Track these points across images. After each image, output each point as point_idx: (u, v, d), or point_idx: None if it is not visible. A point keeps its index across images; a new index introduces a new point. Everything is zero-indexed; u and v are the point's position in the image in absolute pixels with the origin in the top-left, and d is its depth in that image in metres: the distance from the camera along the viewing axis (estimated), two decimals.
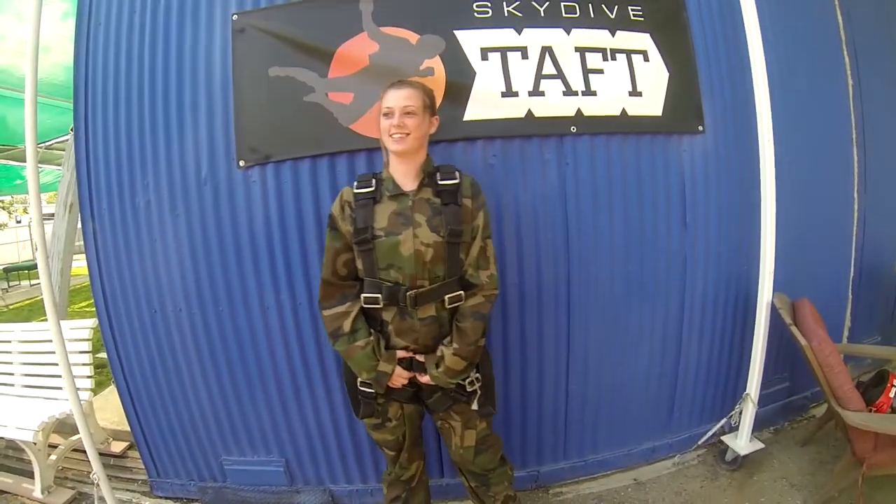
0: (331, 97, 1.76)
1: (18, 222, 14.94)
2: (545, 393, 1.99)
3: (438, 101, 1.73)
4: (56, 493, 2.29)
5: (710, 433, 2.17)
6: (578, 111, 1.82)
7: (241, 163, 1.81)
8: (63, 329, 1.86)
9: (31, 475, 2.31)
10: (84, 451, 1.88)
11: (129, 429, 2.21)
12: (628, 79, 1.87)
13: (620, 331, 2.00)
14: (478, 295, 1.42)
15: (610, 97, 1.85)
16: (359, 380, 1.47)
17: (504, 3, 1.80)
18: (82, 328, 2.41)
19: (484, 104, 1.78)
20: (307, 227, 1.81)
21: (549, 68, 1.80)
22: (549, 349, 1.95)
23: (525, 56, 1.79)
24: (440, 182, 1.41)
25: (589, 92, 1.83)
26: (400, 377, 1.42)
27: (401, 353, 1.42)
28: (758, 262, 2.00)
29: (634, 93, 1.87)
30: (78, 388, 1.91)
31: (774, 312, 1.98)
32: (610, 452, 2.12)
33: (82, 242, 2.07)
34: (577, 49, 1.82)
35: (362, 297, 1.40)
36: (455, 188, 1.40)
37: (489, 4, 1.79)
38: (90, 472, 1.89)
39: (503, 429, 1.96)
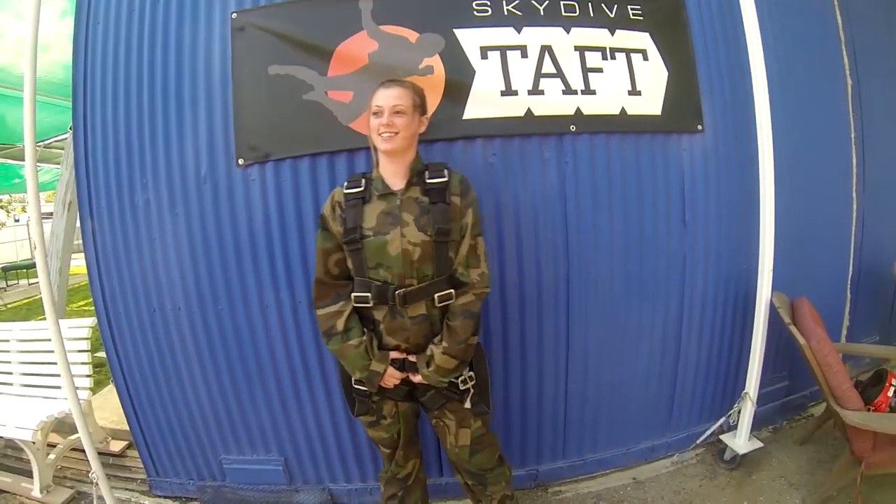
0: (330, 95, 1.75)
1: (17, 221, 14.89)
2: (545, 392, 1.99)
3: (438, 100, 1.74)
4: (55, 492, 2.29)
5: (708, 432, 2.18)
6: (578, 110, 1.82)
7: (241, 161, 1.81)
8: (62, 328, 1.86)
9: (29, 474, 2.30)
10: (83, 451, 1.88)
11: (127, 428, 2.21)
12: (628, 78, 1.87)
13: (620, 330, 2.00)
14: (468, 293, 1.41)
15: (609, 96, 1.85)
16: (353, 378, 1.47)
17: (504, 2, 1.79)
18: (81, 327, 2.41)
19: (483, 103, 1.77)
20: (307, 226, 1.81)
21: (548, 67, 1.80)
22: (549, 348, 1.95)
23: (524, 55, 1.79)
24: (428, 180, 1.40)
25: (588, 91, 1.83)
26: (392, 377, 1.42)
27: (394, 354, 1.41)
28: (757, 262, 2.00)
29: (634, 92, 1.87)
30: (77, 388, 1.90)
31: (773, 311, 1.98)
32: (609, 451, 2.12)
33: (81, 241, 2.07)
34: (576, 48, 1.82)
35: (353, 297, 1.40)
36: (443, 186, 1.40)
37: (489, 3, 1.79)
38: (89, 472, 1.89)
39: (502, 428, 1.96)
